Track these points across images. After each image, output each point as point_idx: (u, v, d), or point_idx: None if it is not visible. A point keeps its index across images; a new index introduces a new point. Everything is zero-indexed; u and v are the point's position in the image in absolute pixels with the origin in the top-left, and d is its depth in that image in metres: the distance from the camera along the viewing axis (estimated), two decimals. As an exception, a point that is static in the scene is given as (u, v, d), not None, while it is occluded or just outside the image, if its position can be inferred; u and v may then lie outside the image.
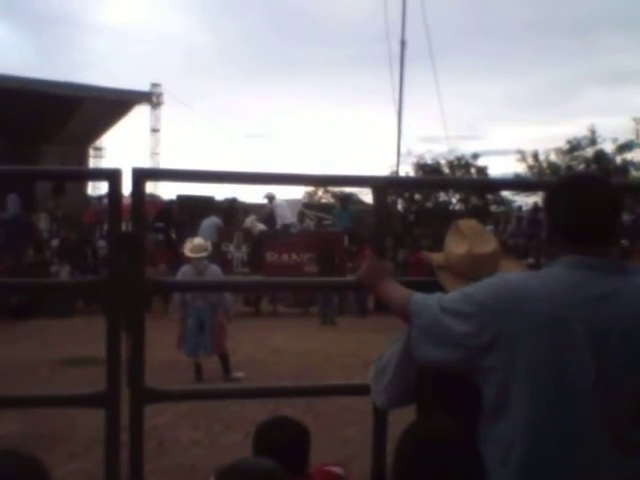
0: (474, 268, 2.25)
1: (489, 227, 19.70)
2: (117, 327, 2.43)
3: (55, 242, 14.97)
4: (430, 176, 26.96)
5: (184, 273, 8.33)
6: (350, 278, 2.99)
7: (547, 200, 2.00)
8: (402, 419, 2.11)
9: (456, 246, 2.35)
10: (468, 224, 2.42)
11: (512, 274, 2.01)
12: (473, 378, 1.90)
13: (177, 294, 8.51)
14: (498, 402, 1.83)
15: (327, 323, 12.61)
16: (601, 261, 1.84)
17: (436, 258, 2.43)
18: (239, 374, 8.16)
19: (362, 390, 2.45)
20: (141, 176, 2.44)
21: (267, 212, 16.59)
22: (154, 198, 20.53)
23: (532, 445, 1.76)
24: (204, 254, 8.27)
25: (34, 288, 4.00)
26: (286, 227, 15.56)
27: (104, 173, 2.69)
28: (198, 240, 9.06)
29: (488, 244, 2.32)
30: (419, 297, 2.06)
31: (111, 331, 2.41)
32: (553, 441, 1.75)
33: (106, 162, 26.39)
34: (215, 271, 8.25)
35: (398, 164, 22.41)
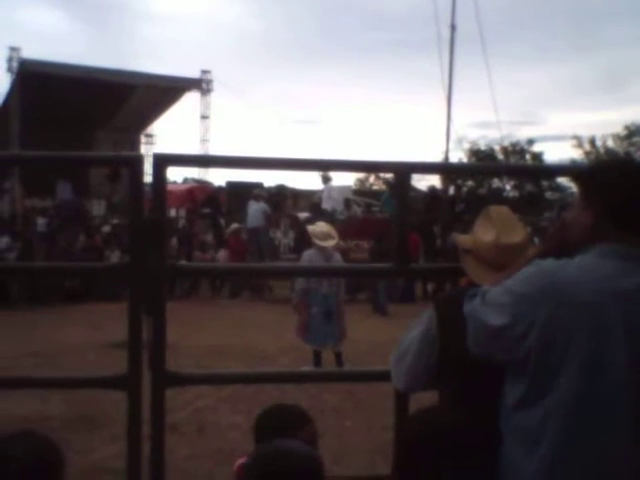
0: (499, 257, 2.19)
1: (546, 214, 19.39)
2: (138, 311, 2.45)
3: (107, 228, 15.24)
4: (484, 162, 26.69)
5: (310, 258, 7.59)
6: (386, 265, 2.91)
7: (596, 183, 1.90)
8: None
9: (484, 233, 2.28)
10: (499, 211, 2.35)
11: (548, 262, 1.94)
12: (509, 367, 1.88)
13: (300, 280, 7.73)
14: (531, 391, 1.81)
15: (378, 312, 12.37)
16: (637, 251, 1.79)
17: (463, 240, 2.36)
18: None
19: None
20: (162, 161, 2.44)
21: (317, 198, 16.47)
22: (204, 184, 20.74)
23: (562, 435, 1.74)
24: (331, 242, 7.59)
25: (57, 272, 4.04)
26: (333, 212, 15.39)
27: (123, 159, 2.70)
28: (324, 226, 8.09)
29: (516, 234, 2.24)
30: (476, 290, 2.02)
31: (132, 314, 2.43)
32: (584, 432, 1.73)
33: (157, 148, 26.77)
34: (338, 259, 7.68)
35: (447, 150, 22.01)
